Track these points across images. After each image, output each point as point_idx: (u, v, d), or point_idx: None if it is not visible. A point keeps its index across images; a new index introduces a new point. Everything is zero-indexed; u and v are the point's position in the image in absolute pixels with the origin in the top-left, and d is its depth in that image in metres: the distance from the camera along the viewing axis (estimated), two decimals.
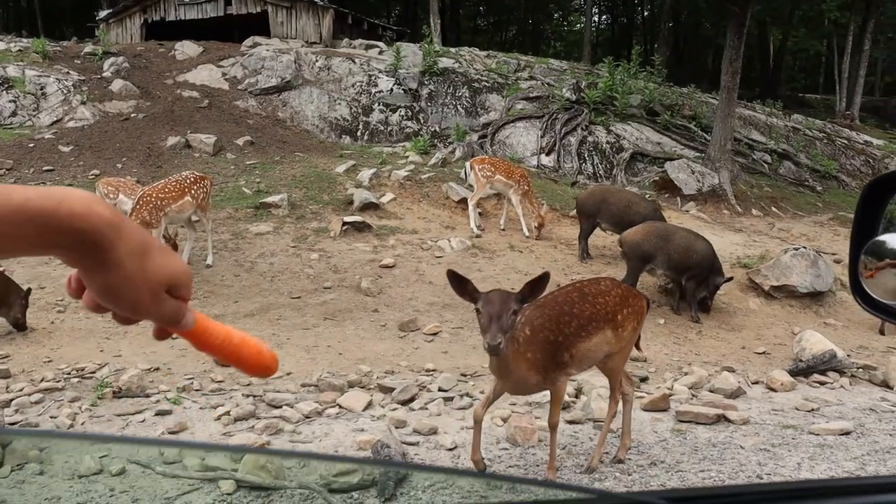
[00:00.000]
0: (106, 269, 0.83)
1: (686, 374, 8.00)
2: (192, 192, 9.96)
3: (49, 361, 7.15)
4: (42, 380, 6.62)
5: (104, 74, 17.22)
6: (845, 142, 20.94)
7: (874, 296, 1.15)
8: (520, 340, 4.56)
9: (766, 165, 18.19)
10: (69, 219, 0.78)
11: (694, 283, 9.93)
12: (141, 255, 0.85)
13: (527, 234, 12.37)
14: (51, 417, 5.86)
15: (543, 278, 4.14)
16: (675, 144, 17.83)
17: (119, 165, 13.74)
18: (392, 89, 18.14)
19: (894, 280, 1.12)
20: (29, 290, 8.02)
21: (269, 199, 12.25)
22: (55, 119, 15.47)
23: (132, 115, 15.79)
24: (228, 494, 4.80)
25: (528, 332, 4.62)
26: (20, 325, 7.90)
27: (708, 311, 9.98)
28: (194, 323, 0.94)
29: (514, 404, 6.91)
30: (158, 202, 9.43)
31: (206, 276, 9.89)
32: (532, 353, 4.61)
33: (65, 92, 16.05)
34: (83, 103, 15.81)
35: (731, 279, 10.22)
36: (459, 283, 4.24)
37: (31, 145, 14.11)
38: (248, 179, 13.45)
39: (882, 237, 1.15)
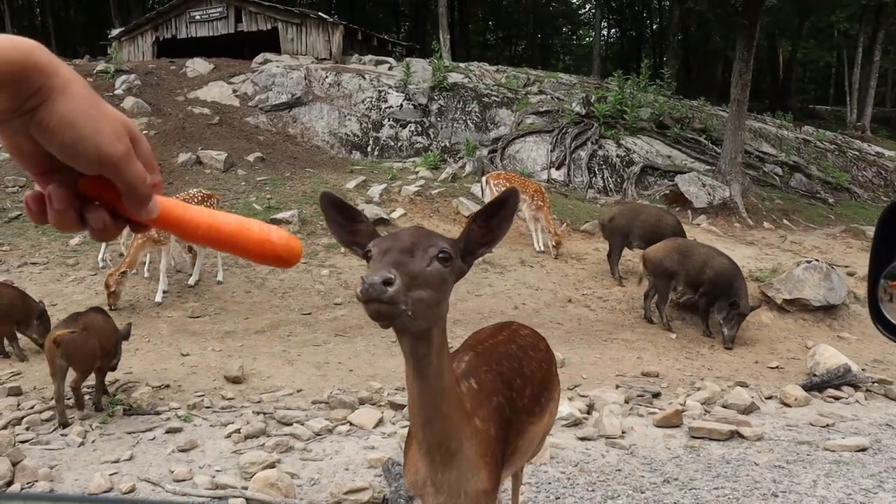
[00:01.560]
0: (56, 93, 0.74)
1: (699, 389, 7.93)
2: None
3: None
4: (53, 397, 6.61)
5: (116, 92, 17.34)
6: (857, 153, 20.85)
7: (894, 321, 1.13)
8: (463, 390, 2.51)
9: (777, 178, 18.12)
10: (4, 50, 0.71)
11: (706, 300, 9.85)
12: (88, 87, 0.78)
13: (540, 248, 12.33)
14: (61, 435, 5.85)
15: (510, 198, 2.04)
16: (685, 157, 17.80)
17: None
18: (402, 105, 18.19)
19: None
20: (44, 308, 7.96)
21: (280, 216, 12.27)
22: None
23: (144, 132, 15.80)
24: None
25: (474, 384, 2.63)
26: (43, 346, 7.84)
27: (732, 341, 9.70)
28: (158, 208, 0.84)
29: None
30: None
31: (217, 293, 9.90)
32: (483, 421, 2.52)
33: None
34: None
35: (757, 307, 10.05)
36: (339, 211, 2.11)
37: None
38: (259, 195, 13.49)
39: None
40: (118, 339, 6.82)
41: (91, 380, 6.46)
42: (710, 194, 15.85)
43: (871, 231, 14.68)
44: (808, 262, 11.20)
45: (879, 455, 6.15)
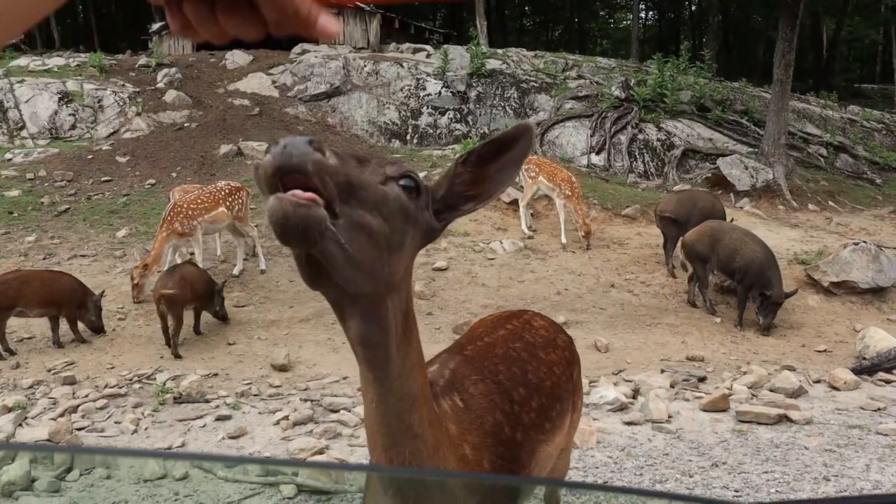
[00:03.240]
0: None
1: (745, 373, 7.85)
2: (227, 203, 9.97)
3: (112, 368, 7.33)
4: (106, 386, 6.80)
5: (158, 86, 17.60)
6: None
7: None
8: (445, 409, 1.89)
9: (821, 159, 17.74)
10: None
11: (742, 288, 9.67)
12: None
13: (563, 242, 11.99)
14: (115, 423, 6.01)
15: (523, 135, 1.43)
16: (727, 140, 17.51)
17: (174, 174, 14.03)
18: (440, 92, 18.17)
19: None
20: (102, 293, 8.34)
21: None
22: (112, 130, 15.86)
23: (185, 125, 16.11)
24: (289, 499, 4.86)
25: (459, 401, 1.99)
26: (97, 328, 8.21)
27: (767, 329, 9.51)
28: None
29: None
30: (190, 212, 9.46)
31: (261, 282, 10.03)
32: (475, 449, 1.90)
33: (121, 104, 16.44)
34: (138, 114, 16.19)
35: (794, 293, 9.78)
36: None
37: (90, 157, 14.48)
38: None
39: None
40: (212, 288, 8.47)
41: (142, 370, 6.62)
42: (752, 177, 15.58)
43: None
44: (856, 243, 10.97)
45: None
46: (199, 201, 9.70)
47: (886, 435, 6.08)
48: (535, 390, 2.29)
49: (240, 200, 10.15)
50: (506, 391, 2.13)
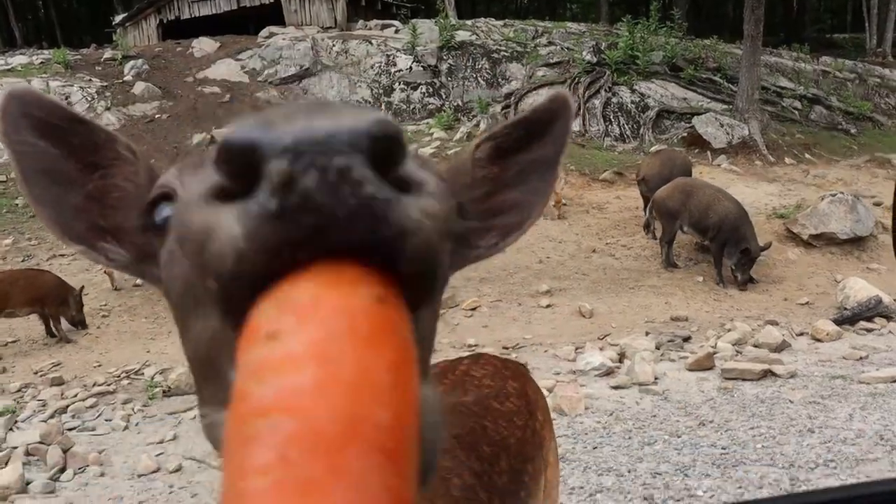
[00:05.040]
0: None
1: (729, 330, 7.93)
2: None
3: (99, 366, 7.32)
4: (94, 384, 6.79)
5: (125, 78, 17.36)
6: (878, 80, 20.40)
7: None
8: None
9: (796, 112, 17.81)
10: None
11: (717, 244, 9.69)
12: None
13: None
14: (106, 420, 6.01)
15: (561, 108, 0.79)
16: (701, 99, 17.54)
17: None
18: (411, 67, 18.06)
19: None
20: (81, 288, 8.32)
21: None
22: None
23: (157, 117, 15.94)
24: None
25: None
26: (80, 323, 8.26)
27: (745, 285, 9.59)
28: None
29: (559, 373, 6.92)
30: None
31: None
32: None
33: (89, 99, 16.23)
34: (108, 109, 15.98)
35: (768, 246, 9.76)
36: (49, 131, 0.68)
37: None
38: None
39: None
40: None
41: (129, 365, 6.61)
42: (728, 134, 15.63)
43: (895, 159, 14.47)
44: (833, 195, 11.06)
45: None
46: None
47: (868, 383, 6.19)
48: (502, 448, 1.77)
49: None
50: (469, 446, 1.64)
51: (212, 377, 0.49)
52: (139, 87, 16.78)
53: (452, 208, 0.51)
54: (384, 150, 0.42)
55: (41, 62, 18.13)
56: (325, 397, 0.34)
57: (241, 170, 0.41)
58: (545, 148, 0.84)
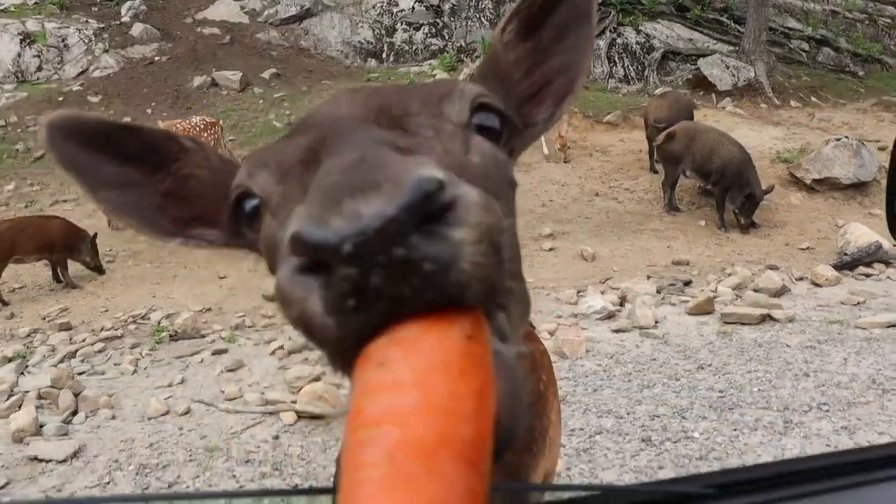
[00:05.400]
0: None
1: (729, 275, 7.99)
2: (202, 138, 9.80)
3: (105, 311, 7.41)
4: (102, 329, 6.89)
5: (123, 20, 17.09)
6: (889, 20, 20.02)
7: None
8: None
9: (803, 54, 17.56)
10: None
11: (719, 189, 9.67)
12: None
13: (546, 153, 11.82)
14: (115, 364, 6.12)
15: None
16: (707, 40, 17.28)
17: (149, 111, 13.82)
18: (413, 7, 17.75)
19: None
20: (95, 234, 8.36)
21: None
22: (80, 70, 15.50)
23: (156, 59, 15.76)
24: (290, 425, 5.00)
25: None
26: (96, 269, 8.31)
27: (747, 229, 9.63)
28: None
29: (560, 317, 7.01)
30: None
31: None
32: None
33: (86, 42, 16.01)
34: (106, 51, 15.79)
35: (771, 190, 9.68)
36: (98, 145, 0.78)
37: (61, 99, 14.21)
38: (278, 113, 13.46)
39: None
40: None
41: (136, 310, 6.69)
42: (734, 76, 15.46)
43: None
44: (838, 139, 11.00)
45: None
46: None
47: (864, 328, 6.26)
48: None
49: (214, 135, 10.06)
50: None
51: None
52: (137, 29, 16.54)
53: (504, 182, 0.63)
54: (428, 207, 0.48)
55: (35, 2, 17.83)
56: (423, 415, 0.43)
57: (314, 262, 0.49)
58: (572, 2, 0.87)
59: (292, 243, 0.49)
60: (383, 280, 0.47)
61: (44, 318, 7.36)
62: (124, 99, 14.27)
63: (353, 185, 0.49)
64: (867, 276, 7.89)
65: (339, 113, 0.71)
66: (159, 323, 6.95)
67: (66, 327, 6.99)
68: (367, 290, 0.48)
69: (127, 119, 13.42)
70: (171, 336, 6.67)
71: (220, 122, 11.02)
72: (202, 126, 10.04)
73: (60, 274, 8.22)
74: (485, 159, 0.71)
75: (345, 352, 0.51)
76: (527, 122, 0.85)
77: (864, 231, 8.43)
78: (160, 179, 0.79)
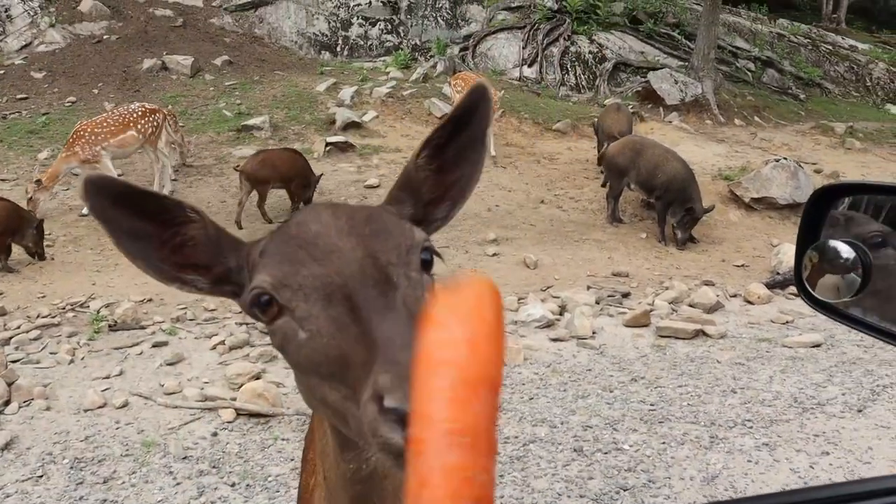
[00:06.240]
0: None
1: (667, 288, 8.22)
2: (139, 126, 9.63)
3: (43, 297, 7.26)
4: (38, 316, 6.75)
5: None
6: (830, 47, 20.76)
7: (815, 294, 1.28)
8: None
9: (749, 74, 18.10)
10: None
11: (662, 203, 9.91)
12: None
13: (492, 153, 11.80)
14: (51, 353, 6.02)
15: (479, 100, 1.12)
16: (658, 53, 17.67)
17: (95, 91, 13.51)
18: (370, 2, 17.71)
19: (833, 280, 1.25)
20: (42, 220, 8.15)
21: (251, 122, 12.15)
22: (24, 44, 15.05)
23: (105, 37, 15.40)
24: (229, 422, 5.01)
25: None
26: (38, 255, 8.03)
27: (684, 244, 9.85)
28: None
29: None
30: (93, 137, 9.21)
31: (192, 203, 9.90)
32: None
33: (31, 14, 15.55)
34: (52, 26, 15.34)
35: (711, 209, 10.02)
36: (132, 209, 1.02)
37: (1, 72, 13.81)
38: (229, 101, 13.30)
39: (824, 241, 1.28)
40: (306, 172, 9.58)
41: (74, 297, 6.57)
42: (682, 91, 15.84)
43: (839, 128, 14.88)
44: (777, 160, 11.39)
45: (832, 350, 6.52)
46: (105, 124, 9.40)
47: (790, 347, 6.54)
48: None
49: (154, 123, 9.82)
50: None
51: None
52: (87, 5, 16.12)
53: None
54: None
55: None
56: (473, 360, 0.66)
57: (401, 418, 0.76)
58: (472, 130, 1.13)
59: (393, 415, 0.77)
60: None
61: None
62: (70, 77, 13.92)
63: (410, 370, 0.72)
64: (797, 295, 8.19)
65: (343, 256, 0.96)
66: (98, 312, 6.83)
67: (1, 312, 6.83)
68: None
69: (72, 98, 13.11)
70: (110, 326, 6.58)
71: (166, 109, 10.80)
72: (140, 112, 9.78)
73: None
74: (427, 291, 0.97)
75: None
76: (428, 220, 1.14)
77: None
78: (169, 235, 1.04)
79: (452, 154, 1.13)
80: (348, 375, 0.88)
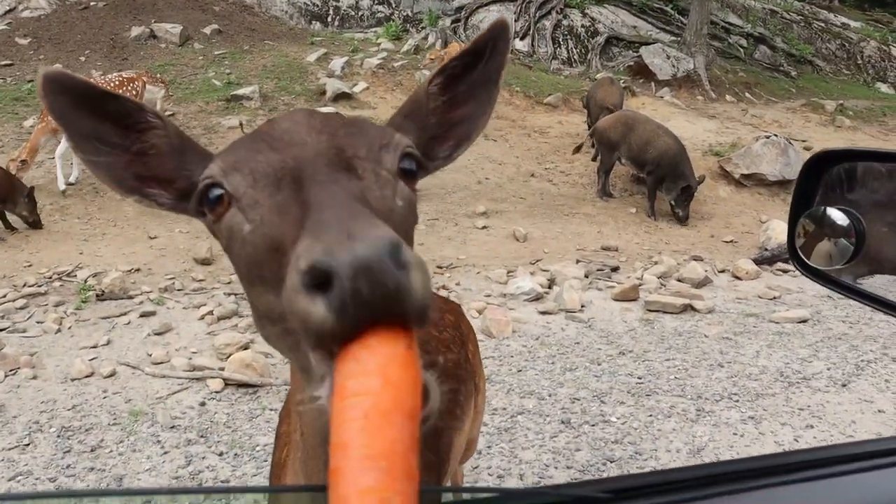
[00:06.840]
0: None
1: (656, 263, 8.25)
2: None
3: (29, 266, 7.20)
4: (24, 285, 6.69)
5: None
6: (822, 24, 20.72)
7: (808, 261, 1.28)
8: None
9: (741, 50, 18.04)
10: None
11: (653, 178, 9.95)
12: None
13: None
14: (37, 322, 5.98)
15: (500, 35, 1.06)
16: (650, 28, 17.59)
17: (82, 58, 13.33)
18: None
19: (826, 247, 1.24)
20: (32, 188, 8.05)
21: (241, 91, 12.02)
22: (8, 8, 14.82)
23: (92, 4, 15.18)
24: (217, 392, 5.01)
25: None
26: (34, 224, 7.97)
27: (686, 220, 9.90)
28: None
29: (490, 296, 7.14)
30: None
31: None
32: None
33: None
34: None
35: (702, 180, 10.05)
36: (86, 105, 0.92)
37: None
38: (218, 71, 13.15)
39: (818, 208, 1.27)
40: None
41: (62, 267, 6.52)
42: (674, 66, 15.79)
43: (830, 105, 14.89)
44: (767, 136, 11.40)
45: (818, 326, 6.57)
46: None
47: (777, 322, 6.59)
48: (441, 370, 2.08)
49: (133, 92, 9.69)
50: None
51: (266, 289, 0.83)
52: None
53: (426, 269, 0.75)
54: (397, 252, 0.68)
55: None
56: (385, 390, 0.66)
57: (321, 280, 0.67)
58: (488, 66, 1.07)
59: (309, 270, 0.67)
60: (371, 292, 0.66)
61: None
62: (56, 44, 13.72)
63: (352, 234, 0.68)
64: (784, 271, 8.26)
65: (306, 146, 0.88)
66: (86, 281, 6.79)
67: None
68: (361, 299, 0.66)
69: (58, 66, 12.91)
70: (97, 295, 6.53)
71: (158, 76, 10.68)
72: (118, 82, 9.64)
73: None
74: (405, 202, 0.90)
75: (331, 342, 0.69)
76: (430, 157, 1.07)
77: (784, 228, 8.72)
78: (130, 141, 0.95)
79: (465, 89, 1.08)
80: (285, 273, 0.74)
